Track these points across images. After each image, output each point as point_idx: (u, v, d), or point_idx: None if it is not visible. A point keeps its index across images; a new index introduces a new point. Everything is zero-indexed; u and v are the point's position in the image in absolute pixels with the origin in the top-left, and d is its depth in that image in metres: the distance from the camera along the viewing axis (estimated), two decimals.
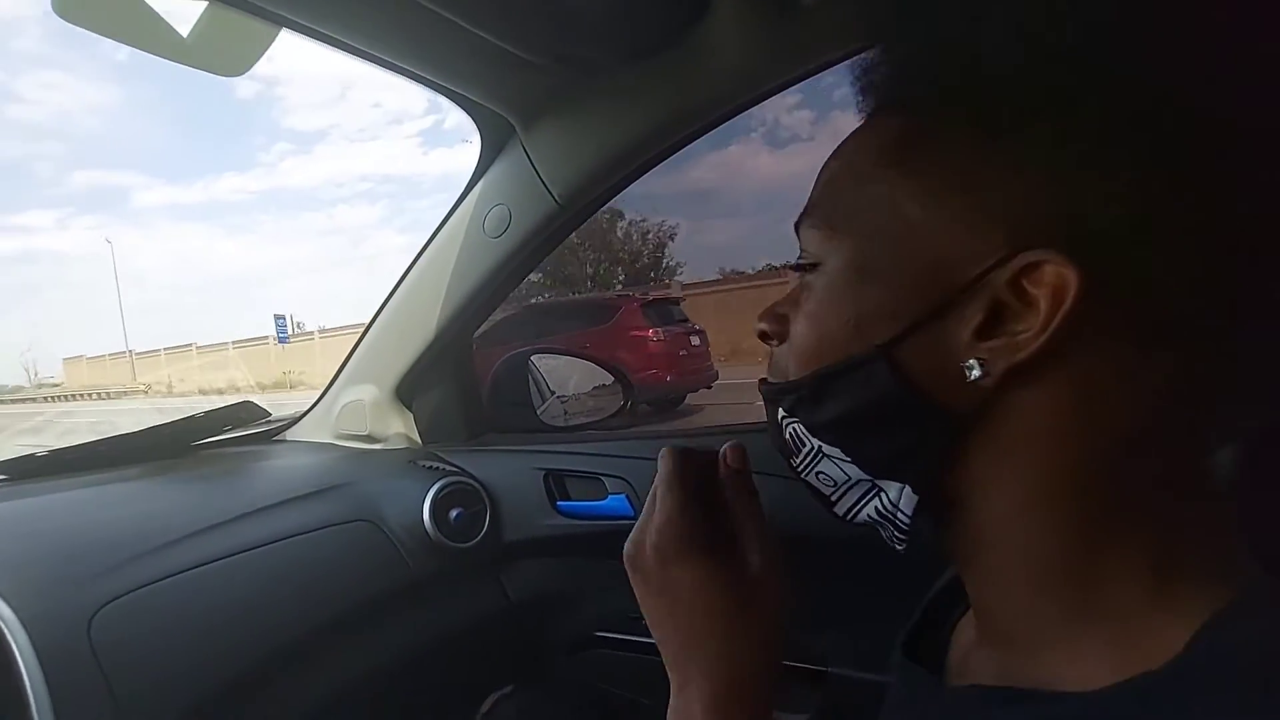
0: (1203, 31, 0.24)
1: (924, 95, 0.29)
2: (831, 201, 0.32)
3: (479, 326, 1.09)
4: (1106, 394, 0.26)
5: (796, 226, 0.34)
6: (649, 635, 0.39)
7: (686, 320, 7.23)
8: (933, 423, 0.29)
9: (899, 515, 0.31)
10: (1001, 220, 0.26)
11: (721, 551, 0.37)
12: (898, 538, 0.33)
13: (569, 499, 1.00)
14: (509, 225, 0.91)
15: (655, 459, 0.42)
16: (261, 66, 0.70)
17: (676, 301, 7.91)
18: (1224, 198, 0.24)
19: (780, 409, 0.35)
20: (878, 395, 0.29)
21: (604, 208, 0.95)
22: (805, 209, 0.34)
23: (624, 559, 0.39)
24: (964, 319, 0.27)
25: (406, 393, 1.12)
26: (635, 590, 0.39)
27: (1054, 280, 0.25)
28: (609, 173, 0.85)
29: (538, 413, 1.21)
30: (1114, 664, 0.25)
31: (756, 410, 0.41)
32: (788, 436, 0.35)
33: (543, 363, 1.29)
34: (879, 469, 0.32)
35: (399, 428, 1.13)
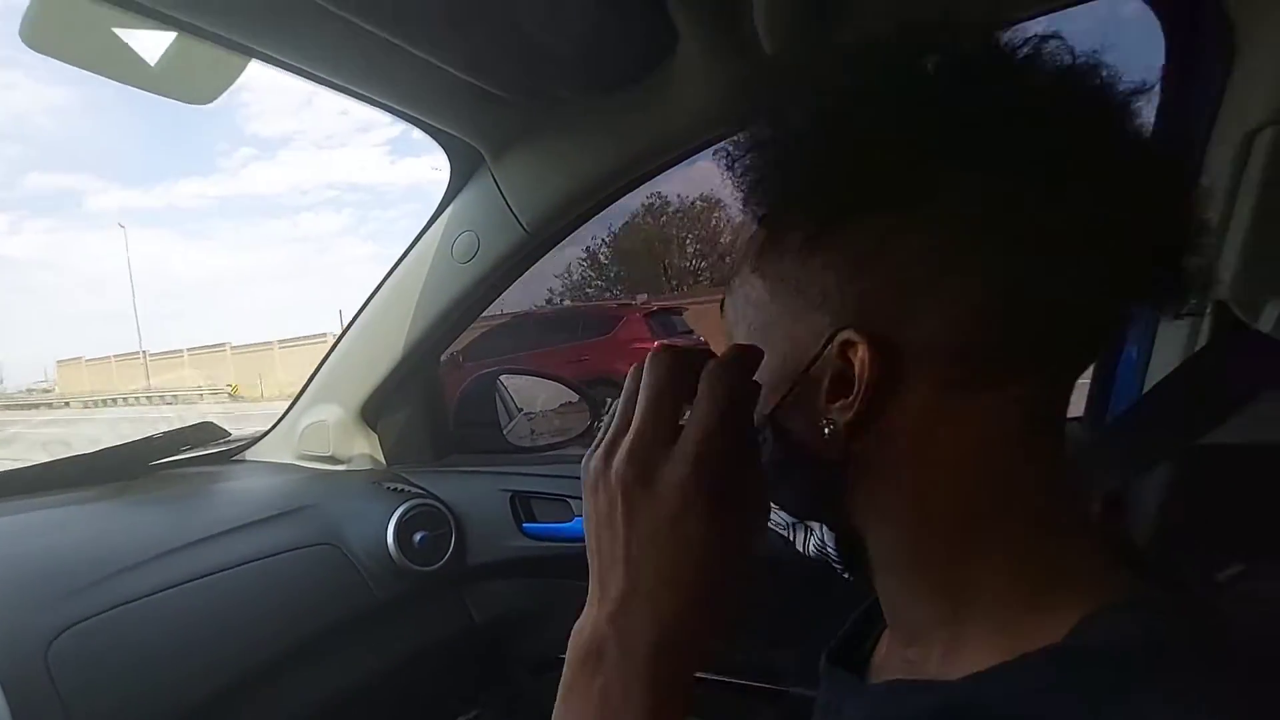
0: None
1: (773, 204, 0.35)
2: (730, 294, 0.38)
3: (446, 349, 1.09)
4: (934, 433, 0.31)
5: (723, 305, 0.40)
6: None
7: (690, 331, 7.01)
8: (815, 471, 0.34)
9: (828, 548, 0.37)
10: (822, 308, 0.33)
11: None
12: (837, 566, 0.37)
13: (535, 521, 1.01)
14: (477, 251, 0.92)
15: None
16: None
17: (679, 311, 7.69)
18: (989, 262, 0.30)
19: None
20: (772, 455, 0.35)
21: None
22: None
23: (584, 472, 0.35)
24: (818, 388, 0.32)
25: (371, 413, 1.12)
26: (586, 502, 0.35)
27: (862, 353, 0.31)
28: (577, 202, 0.87)
29: (504, 433, 1.22)
30: (997, 656, 0.29)
31: None
32: None
33: (511, 383, 1.30)
34: (798, 513, 0.38)
35: (363, 449, 1.12)
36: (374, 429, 1.13)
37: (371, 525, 0.95)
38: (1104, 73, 0.30)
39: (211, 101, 0.74)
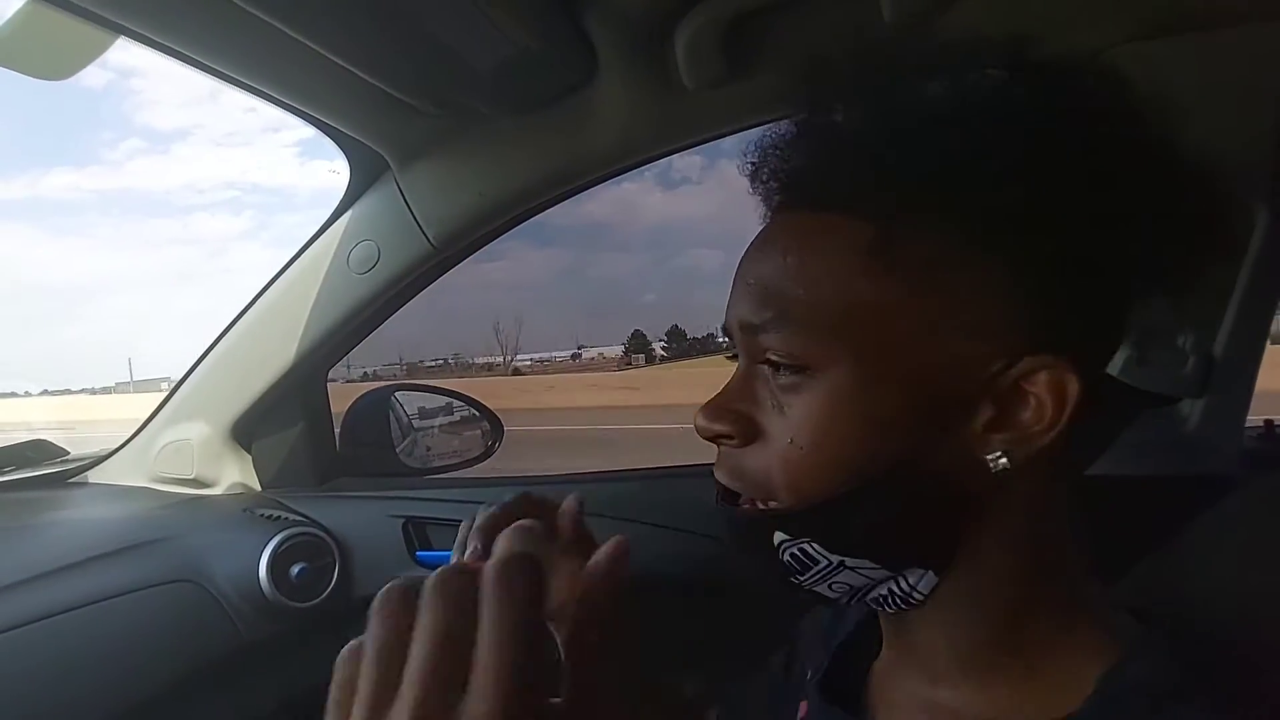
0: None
1: (898, 203, 0.30)
2: (810, 304, 0.31)
3: (335, 364, 1.02)
4: (1066, 472, 0.32)
5: (748, 324, 0.33)
6: None
7: None
8: (960, 513, 0.31)
9: (914, 594, 0.32)
10: (999, 327, 0.29)
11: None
12: (899, 606, 0.34)
13: (430, 548, 0.95)
14: (377, 262, 0.87)
15: None
16: (115, 54, 0.62)
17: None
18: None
19: (782, 532, 0.32)
20: (915, 499, 0.31)
21: None
22: (769, 307, 0.32)
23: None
24: (975, 415, 0.30)
25: (244, 432, 1.01)
26: None
27: (1055, 381, 0.29)
28: (488, 218, 0.84)
29: (396, 452, 1.15)
30: (1040, 704, 0.30)
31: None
32: (789, 558, 0.33)
33: (406, 400, 1.23)
34: (909, 564, 0.32)
35: (234, 471, 1.01)
36: (247, 450, 1.03)
37: (241, 558, 0.86)
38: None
39: (64, 78, 0.64)
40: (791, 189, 0.34)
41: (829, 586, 0.33)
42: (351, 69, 0.62)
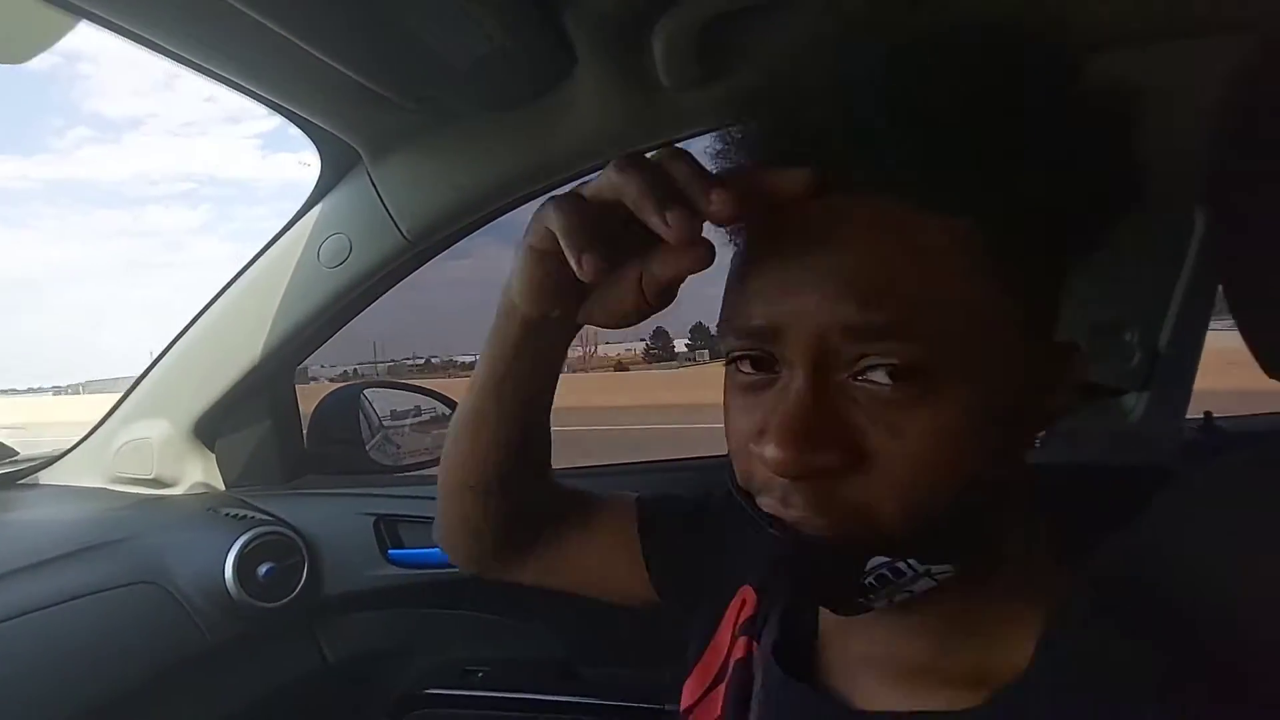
0: None
1: (1004, 205, 0.28)
2: (932, 307, 0.28)
3: (304, 360, 1.00)
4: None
5: (853, 328, 0.28)
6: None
7: None
8: (1008, 492, 0.33)
9: (933, 583, 0.31)
10: (1056, 320, 0.32)
11: None
12: (908, 591, 0.32)
13: (402, 546, 0.94)
14: (348, 256, 0.86)
15: None
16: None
17: None
18: None
19: (883, 555, 0.29)
20: (996, 497, 0.31)
21: None
22: (882, 310, 0.28)
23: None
24: (1031, 406, 0.32)
25: (208, 430, 0.98)
26: None
27: (1080, 366, 0.32)
28: (462, 214, 0.84)
29: (367, 449, 1.13)
30: (983, 680, 0.31)
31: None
32: (874, 580, 0.30)
33: (376, 397, 1.21)
34: (975, 545, 0.32)
35: (196, 470, 0.99)
36: (210, 448, 1.00)
37: (205, 558, 0.84)
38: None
39: (21, 61, 0.62)
40: (893, 183, 0.28)
41: (892, 596, 0.31)
42: (325, 59, 0.61)
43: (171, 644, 0.77)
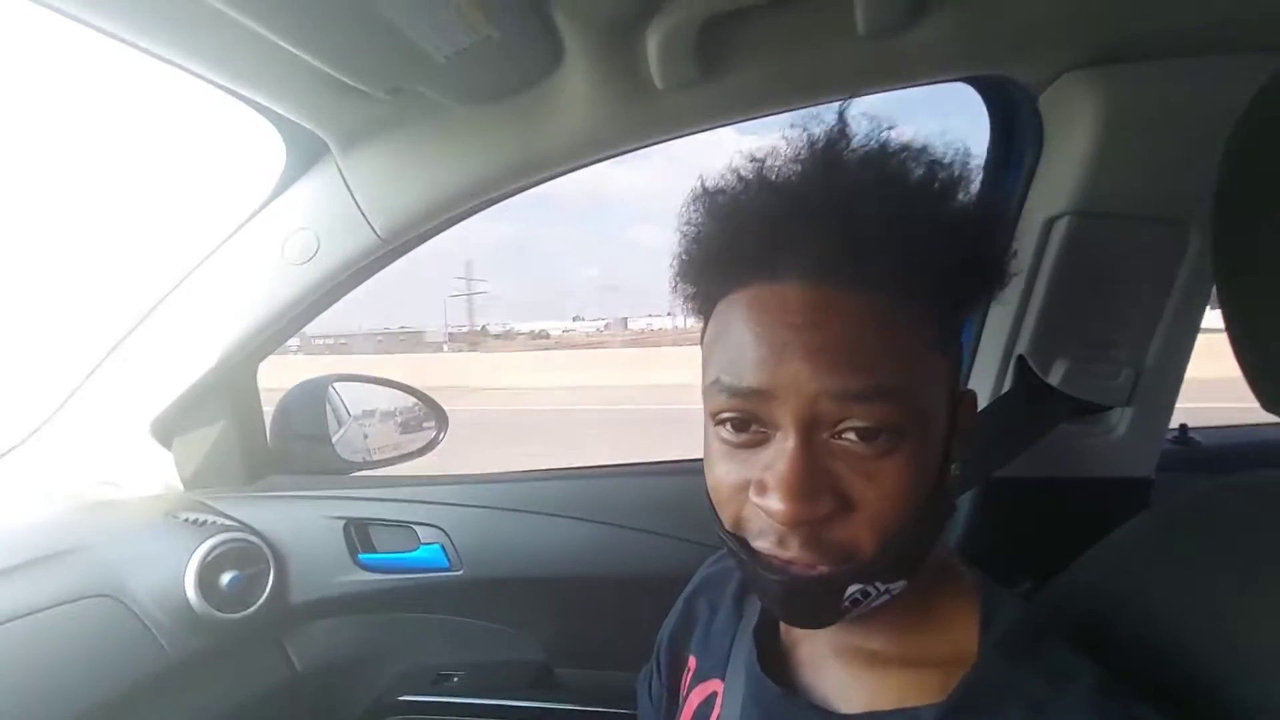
0: None
1: (919, 280, 0.35)
2: (897, 373, 0.34)
3: (266, 356, 0.95)
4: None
5: (842, 393, 0.33)
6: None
7: None
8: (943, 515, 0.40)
9: (877, 589, 0.37)
10: (948, 370, 0.38)
11: None
12: (852, 608, 0.38)
13: (374, 551, 0.91)
14: (316, 253, 0.80)
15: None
16: None
17: None
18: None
19: (859, 583, 0.36)
20: (943, 516, 0.39)
21: None
22: (863, 378, 0.33)
23: None
24: (941, 436, 0.38)
25: (164, 429, 0.93)
26: None
27: (968, 403, 0.40)
28: (437, 210, 0.79)
29: (334, 443, 1.09)
30: (942, 678, 0.37)
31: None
32: (849, 602, 0.36)
33: (345, 390, 1.16)
34: (921, 556, 0.39)
35: (151, 471, 0.93)
36: (167, 446, 0.94)
37: (164, 568, 0.79)
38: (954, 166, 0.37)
39: None
40: (836, 272, 0.34)
41: (861, 611, 0.37)
42: (294, 50, 0.55)
43: (130, 662, 0.73)
